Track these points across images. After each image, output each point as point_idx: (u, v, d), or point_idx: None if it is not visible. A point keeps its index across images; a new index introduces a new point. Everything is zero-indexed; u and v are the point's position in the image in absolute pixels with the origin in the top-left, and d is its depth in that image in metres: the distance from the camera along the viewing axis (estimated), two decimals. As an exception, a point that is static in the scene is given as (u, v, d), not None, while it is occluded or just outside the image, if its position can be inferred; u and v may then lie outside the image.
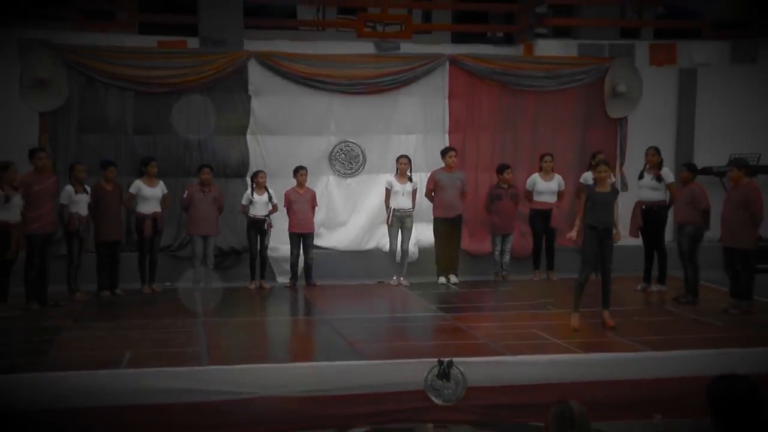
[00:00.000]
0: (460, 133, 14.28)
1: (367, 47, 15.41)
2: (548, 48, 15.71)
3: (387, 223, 12.98)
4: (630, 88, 14.64)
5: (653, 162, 12.41)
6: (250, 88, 13.83)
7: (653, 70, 15.44)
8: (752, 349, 8.84)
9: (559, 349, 8.97)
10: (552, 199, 13.09)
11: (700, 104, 15.70)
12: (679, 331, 9.93)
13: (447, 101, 14.36)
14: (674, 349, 8.88)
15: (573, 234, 9.87)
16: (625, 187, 14.21)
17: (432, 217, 13.11)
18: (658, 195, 12.31)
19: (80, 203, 11.49)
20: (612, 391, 8.04)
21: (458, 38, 17.31)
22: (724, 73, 15.78)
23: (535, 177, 13.35)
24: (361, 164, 14.10)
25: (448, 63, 14.32)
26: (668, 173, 12.44)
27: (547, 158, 13.34)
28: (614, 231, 9.99)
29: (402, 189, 12.79)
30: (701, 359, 8.37)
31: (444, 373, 7.79)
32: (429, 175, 13.20)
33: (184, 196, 12.59)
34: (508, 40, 17.48)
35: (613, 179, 13.54)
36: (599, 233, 9.71)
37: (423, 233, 13.44)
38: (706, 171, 14.36)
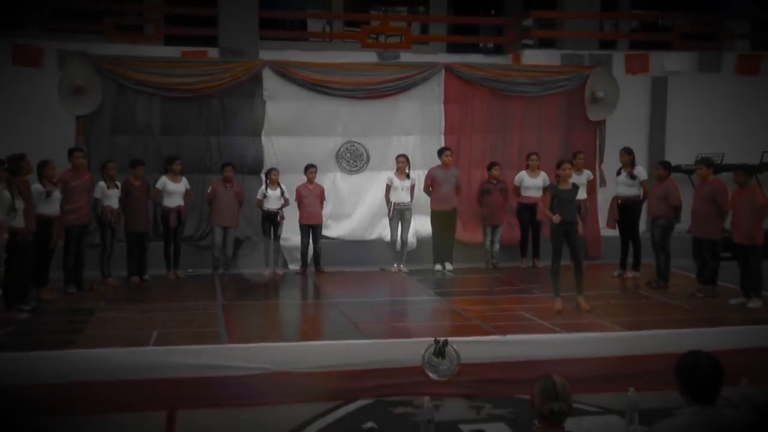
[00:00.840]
0: (455, 134, 14.10)
1: (370, 56, 15.38)
2: (534, 57, 15.65)
3: (388, 216, 12.85)
4: (608, 94, 14.48)
5: (625, 161, 12.35)
6: (265, 93, 13.59)
7: (628, 78, 15.38)
8: (716, 328, 8.81)
9: (544, 329, 8.91)
10: (538, 194, 12.78)
11: (671, 109, 15.70)
12: (651, 313, 9.89)
13: (443, 105, 14.15)
14: (647, 329, 8.84)
15: (557, 218, 9.72)
16: (603, 183, 14.14)
17: (429, 210, 12.95)
18: (632, 191, 12.22)
19: (112, 197, 11.40)
20: (591, 367, 7.96)
21: (453, 48, 17.29)
22: (692, 81, 15.77)
23: (523, 174, 13.18)
24: (365, 162, 13.90)
25: (443, 71, 14.11)
26: (641, 171, 12.35)
27: (533, 157, 13.17)
28: (579, 225, 9.86)
29: (401, 185, 12.65)
30: (671, 338, 8.31)
31: (439, 351, 7.73)
32: (426, 172, 13.01)
33: (209, 190, 12.45)
34: (498, 50, 17.47)
35: (591, 176, 13.50)
36: (564, 227, 9.58)
37: (421, 225, 13.25)
38: (676, 169, 14.24)
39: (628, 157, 12.41)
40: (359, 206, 13.90)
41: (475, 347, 8.13)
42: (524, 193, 13.13)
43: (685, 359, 3.96)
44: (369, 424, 6.79)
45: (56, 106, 12.94)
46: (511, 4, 18.98)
